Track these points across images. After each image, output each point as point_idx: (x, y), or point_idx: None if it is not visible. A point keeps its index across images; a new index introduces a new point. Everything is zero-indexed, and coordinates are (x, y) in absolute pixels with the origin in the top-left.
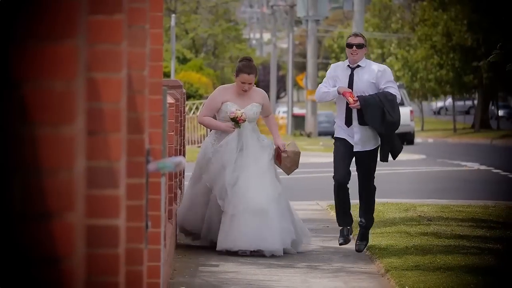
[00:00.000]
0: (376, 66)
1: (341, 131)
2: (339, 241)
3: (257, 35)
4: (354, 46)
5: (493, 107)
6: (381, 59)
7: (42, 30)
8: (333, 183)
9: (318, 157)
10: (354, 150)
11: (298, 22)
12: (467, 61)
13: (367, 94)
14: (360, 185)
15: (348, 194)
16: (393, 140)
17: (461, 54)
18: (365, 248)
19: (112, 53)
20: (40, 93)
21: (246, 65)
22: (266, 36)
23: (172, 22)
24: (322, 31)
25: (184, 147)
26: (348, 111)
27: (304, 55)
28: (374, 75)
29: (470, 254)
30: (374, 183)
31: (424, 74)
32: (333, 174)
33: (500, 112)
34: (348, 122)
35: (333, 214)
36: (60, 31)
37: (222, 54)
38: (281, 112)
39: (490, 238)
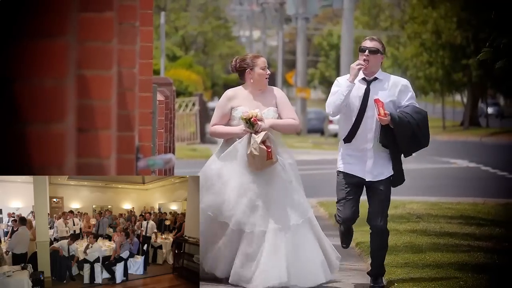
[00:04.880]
0: (396, 80)
1: (348, 162)
2: None
3: (247, 33)
4: (367, 51)
5: (482, 105)
6: None
7: (33, 27)
8: (338, 222)
9: (307, 155)
10: (366, 179)
11: (288, 19)
12: (456, 58)
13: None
14: (372, 224)
15: (352, 233)
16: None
17: (451, 52)
18: (354, 245)
19: (103, 51)
20: (31, 90)
21: (254, 54)
22: (256, 33)
23: (162, 20)
24: (312, 29)
25: (173, 144)
26: (355, 128)
27: (293, 53)
28: (395, 90)
29: (459, 251)
30: (387, 226)
31: (414, 72)
32: (337, 214)
33: (489, 110)
34: (348, 139)
35: (322, 211)
36: (51, 28)
37: (212, 51)
38: None
39: (479, 235)
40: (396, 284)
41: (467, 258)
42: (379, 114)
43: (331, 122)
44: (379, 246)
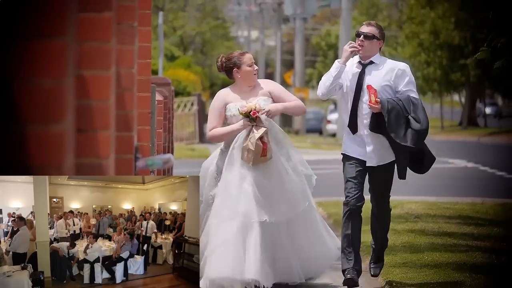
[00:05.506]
0: (394, 64)
1: (350, 145)
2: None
3: (245, 33)
4: (362, 36)
5: (480, 105)
6: None
7: (32, 28)
8: (344, 208)
9: (306, 155)
10: (367, 164)
11: (286, 20)
12: (454, 58)
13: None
14: (374, 205)
15: (360, 223)
16: (422, 148)
17: (449, 52)
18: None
19: (101, 51)
20: (30, 90)
21: (239, 52)
22: (254, 34)
23: (160, 20)
24: (310, 29)
25: (172, 144)
26: (353, 115)
27: (291, 53)
28: (391, 75)
29: (457, 251)
30: (390, 205)
31: (412, 72)
32: (345, 197)
33: (487, 110)
34: (353, 128)
35: (321, 211)
36: (50, 28)
37: (210, 51)
38: None
39: (477, 235)
40: (394, 284)
41: (466, 258)
42: (369, 102)
43: (329, 122)
44: (378, 225)
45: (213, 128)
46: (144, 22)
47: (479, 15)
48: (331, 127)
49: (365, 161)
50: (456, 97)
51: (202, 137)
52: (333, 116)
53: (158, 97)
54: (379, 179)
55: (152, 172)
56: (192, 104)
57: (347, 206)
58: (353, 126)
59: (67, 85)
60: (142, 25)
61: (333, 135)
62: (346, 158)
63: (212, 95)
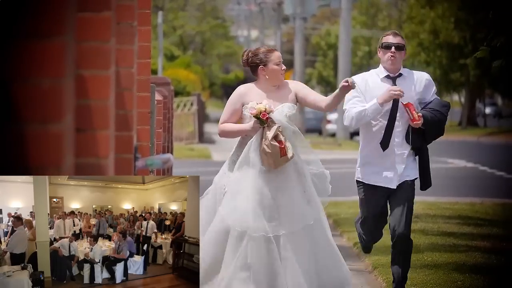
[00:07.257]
0: (419, 74)
1: (374, 173)
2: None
3: (245, 33)
4: (393, 47)
5: (480, 105)
6: (369, 57)
7: (31, 27)
8: (362, 245)
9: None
10: (394, 187)
11: (286, 19)
12: (454, 58)
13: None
14: (395, 231)
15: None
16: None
17: (448, 52)
18: (352, 244)
19: (100, 50)
20: (29, 90)
21: (267, 48)
22: (254, 33)
23: (160, 19)
24: (310, 29)
25: (172, 144)
26: (389, 133)
27: (291, 53)
28: (420, 86)
29: (457, 251)
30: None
31: None
32: (362, 236)
33: (487, 110)
34: (385, 144)
35: None
36: (49, 28)
37: (210, 51)
38: None
39: (477, 235)
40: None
41: (465, 258)
42: (413, 120)
43: (329, 122)
44: (404, 256)
45: (223, 122)
46: (144, 21)
47: (479, 15)
48: (330, 127)
49: (389, 188)
50: (455, 97)
51: (202, 137)
52: (332, 116)
53: (158, 96)
54: (400, 196)
55: (151, 172)
56: (191, 104)
57: (364, 243)
58: (386, 143)
59: (67, 84)
60: (141, 25)
61: (333, 135)
62: (367, 188)
63: (212, 94)
